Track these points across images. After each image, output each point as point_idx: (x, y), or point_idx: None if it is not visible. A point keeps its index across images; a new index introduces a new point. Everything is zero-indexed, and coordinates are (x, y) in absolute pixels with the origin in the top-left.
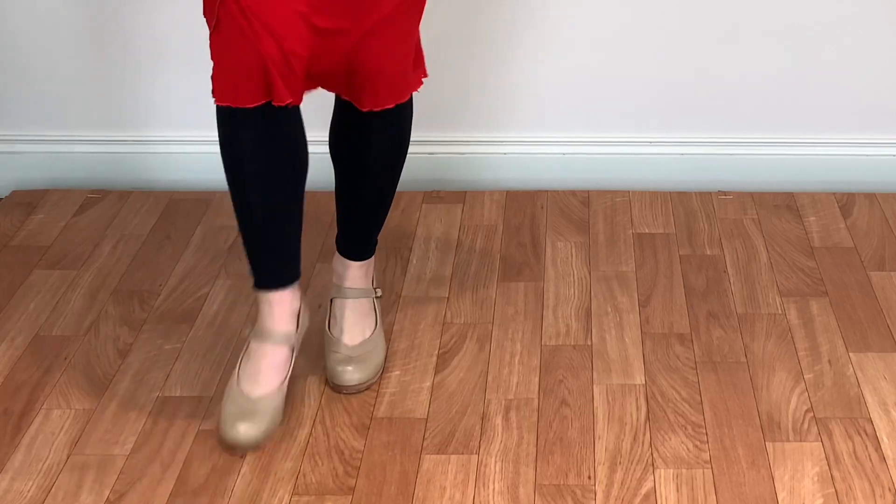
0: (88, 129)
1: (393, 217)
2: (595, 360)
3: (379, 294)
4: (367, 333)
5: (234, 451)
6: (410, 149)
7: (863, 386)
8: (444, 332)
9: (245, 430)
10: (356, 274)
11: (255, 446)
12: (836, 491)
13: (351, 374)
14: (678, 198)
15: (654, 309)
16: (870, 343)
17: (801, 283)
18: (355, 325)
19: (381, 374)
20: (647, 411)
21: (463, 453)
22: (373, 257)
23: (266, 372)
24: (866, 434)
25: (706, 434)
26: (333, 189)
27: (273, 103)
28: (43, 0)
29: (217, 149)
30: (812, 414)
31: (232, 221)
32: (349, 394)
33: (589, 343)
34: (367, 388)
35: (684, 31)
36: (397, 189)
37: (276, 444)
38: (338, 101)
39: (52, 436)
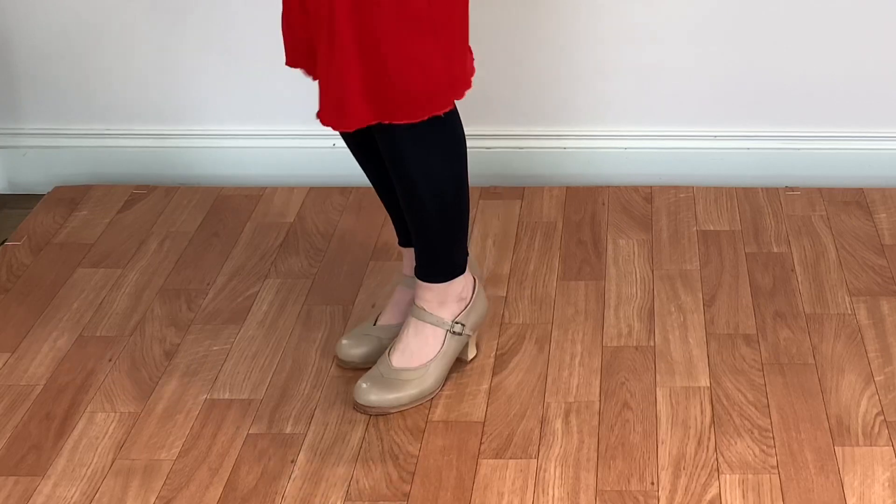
0: (134, 123)
1: None
2: (658, 361)
3: (457, 331)
4: (416, 362)
5: None
6: (468, 143)
7: None
8: (501, 332)
9: None
10: (424, 296)
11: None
12: None
13: (364, 393)
14: (744, 194)
15: (719, 309)
16: None
17: (871, 282)
18: (406, 347)
19: (412, 408)
20: (712, 414)
21: (521, 458)
22: (449, 287)
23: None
24: None
25: (773, 438)
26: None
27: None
28: None
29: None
30: (883, 417)
31: (282, 218)
32: (357, 411)
33: (652, 344)
34: (381, 415)
35: (748, 23)
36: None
37: (328, 448)
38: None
39: (96, 440)
